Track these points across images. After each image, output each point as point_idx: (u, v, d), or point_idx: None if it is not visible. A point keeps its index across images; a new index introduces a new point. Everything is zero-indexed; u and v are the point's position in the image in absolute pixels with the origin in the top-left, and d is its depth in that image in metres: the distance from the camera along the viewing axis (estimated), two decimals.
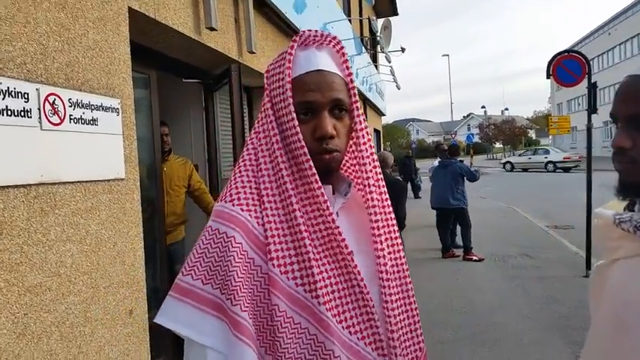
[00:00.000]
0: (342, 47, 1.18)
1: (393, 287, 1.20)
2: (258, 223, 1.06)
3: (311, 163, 1.05)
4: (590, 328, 1.15)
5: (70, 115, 2.38)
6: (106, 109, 2.65)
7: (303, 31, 1.14)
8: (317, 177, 1.06)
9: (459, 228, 8.66)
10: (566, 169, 29.99)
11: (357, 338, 1.08)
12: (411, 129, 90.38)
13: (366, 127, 1.20)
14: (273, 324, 1.02)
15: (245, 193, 1.09)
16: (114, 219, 2.69)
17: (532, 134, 70.95)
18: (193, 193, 4.61)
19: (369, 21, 9.93)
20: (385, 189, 1.24)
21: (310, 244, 1.05)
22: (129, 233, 2.80)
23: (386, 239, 1.20)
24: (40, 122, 2.20)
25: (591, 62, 7.47)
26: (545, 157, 31.87)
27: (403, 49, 12.50)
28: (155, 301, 3.20)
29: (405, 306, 1.25)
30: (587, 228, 6.96)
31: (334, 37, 1.18)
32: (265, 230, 1.05)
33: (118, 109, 2.76)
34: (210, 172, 5.14)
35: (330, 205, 1.12)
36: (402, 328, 1.18)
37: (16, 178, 2.08)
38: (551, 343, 4.66)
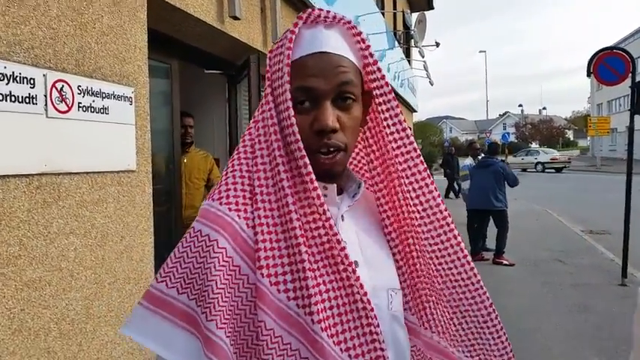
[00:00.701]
0: (355, 27, 1.01)
1: (411, 301, 1.07)
2: (247, 225, 0.91)
3: (306, 160, 0.89)
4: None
5: (79, 103, 2.29)
6: (118, 97, 2.55)
7: (313, 9, 0.98)
8: (313, 176, 0.90)
9: (489, 230, 8.38)
10: (558, 169, 33.58)
11: None
12: (444, 127, 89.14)
13: (399, 114, 1.04)
14: (258, 343, 0.88)
15: (236, 190, 0.95)
16: (122, 212, 2.60)
17: (570, 135, 69.14)
18: (212, 188, 4.50)
19: (403, 14, 9.67)
20: (432, 180, 1.08)
21: (306, 252, 0.89)
22: (138, 227, 2.70)
23: (405, 238, 1.07)
24: (46, 109, 2.11)
25: (636, 61, 7.04)
26: (535, 158, 34.83)
27: (437, 44, 12.19)
28: None
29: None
30: (625, 234, 6.63)
31: (347, 19, 1.02)
32: (256, 234, 0.90)
33: (131, 97, 2.65)
34: None
35: (334, 207, 0.99)
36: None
37: (18, 167, 1.99)
38: (580, 353, 4.42)
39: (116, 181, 2.56)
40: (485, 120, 69.68)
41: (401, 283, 1.06)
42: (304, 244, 0.90)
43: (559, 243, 9.36)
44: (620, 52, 7.01)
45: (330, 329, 0.90)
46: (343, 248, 0.91)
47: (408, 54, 15.61)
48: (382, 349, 0.93)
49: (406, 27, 12.90)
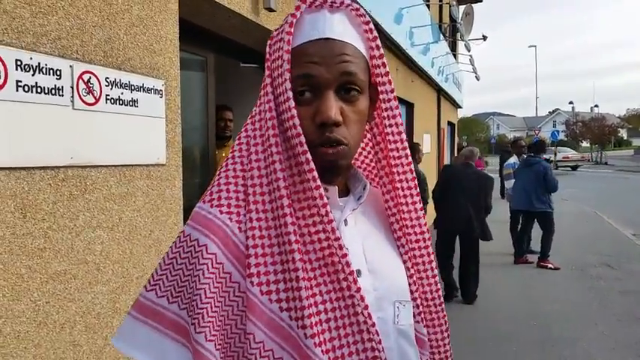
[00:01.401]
0: (363, 15, 0.92)
1: (425, 313, 0.97)
2: (240, 229, 0.84)
3: (308, 155, 0.81)
4: None
5: (107, 95, 2.26)
6: (147, 90, 2.52)
7: None
8: (315, 174, 0.82)
9: (534, 232, 8.04)
10: (574, 167, 36.70)
11: None
12: (492, 123, 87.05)
13: (397, 116, 0.95)
14: (247, 357, 0.80)
15: (228, 191, 0.87)
16: (151, 206, 2.57)
17: (623, 134, 66.25)
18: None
19: (450, 6, 9.41)
20: (417, 190, 0.99)
21: (300, 259, 0.81)
22: (167, 222, 2.67)
23: (419, 247, 0.98)
24: (73, 101, 2.08)
25: None
26: (550, 157, 36.74)
27: (485, 37, 11.83)
28: None
29: (437, 342, 1.02)
30: None
31: (355, 5, 0.92)
32: (247, 238, 0.83)
33: (161, 90, 2.62)
34: None
35: (337, 210, 0.90)
36: None
37: (43, 159, 1.97)
38: None
39: (145, 175, 2.53)
40: (535, 117, 67.62)
41: (412, 292, 0.95)
42: (298, 251, 0.81)
43: (608, 247, 8.95)
44: None
45: (326, 344, 0.81)
46: (345, 255, 0.82)
47: (453, 48, 15.25)
48: None
49: (452, 20, 12.57)
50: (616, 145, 55.78)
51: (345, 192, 0.96)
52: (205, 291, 0.80)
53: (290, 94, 0.82)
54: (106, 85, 2.25)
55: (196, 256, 0.82)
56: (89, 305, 2.19)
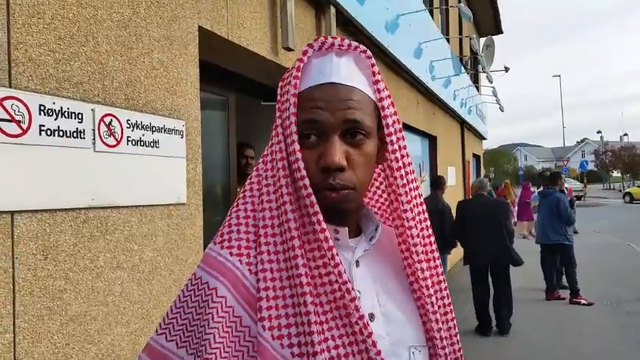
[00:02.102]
0: (371, 57, 0.92)
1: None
2: (250, 271, 0.83)
3: (313, 199, 0.81)
4: None
5: (128, 137, 2.30)
6: (169, 131, 2.56)
7: (326, 37, 0.90)
8: (320, 217, 0.81)
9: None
10: (578, 198, 33.40)
11: None
12: (519, 154, 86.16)
13: (406, 165, 0.93)
14: None
15: (239, 232, 0.86)
16: (172, 245, 2.57)
17: None
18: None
19: (470, 40, 9.47)
20: (431, 230, 0.96)
21: (312, 302, 0.79)
22: (187, 261, 2.67)
23: (435, 291, 0.94)
24: (94, 143, 2.13)
25: None
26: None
27: (507, 69, 11.81)
28: None
29: None
30: None
31: (362, 47, 0.92)
32: (258, 281, 0.81)
33: (182, 131, 2.66)
34: None
35: (348, 251, 0.89)
36: None
37: (65, 201, 2.00)
38: None
39: (166, 214, 2.55)
40: (562, 147, 66.63)
41: (428, 337, 0.92)
42: (310, 294, 0.79)
43: None
44: None
45: None
46: (353, 299, 0.80)
47: (476, 80, 15.28)
48: None
49: (473, 52, 12.62)
50: None
51: (357, 232, 0.94)
52: (214, 335, 0.78)
53: (295, 137, 0.82)
54: (128, 127, 2.30)
55: (206, 300, 0.81)
56: (109, 347, 2.17)
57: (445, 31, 11.15)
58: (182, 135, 2.66)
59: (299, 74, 0.85)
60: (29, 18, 1.88)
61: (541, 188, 8.38)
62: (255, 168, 0.92)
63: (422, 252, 0.91)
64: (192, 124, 2.76)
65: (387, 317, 0.88)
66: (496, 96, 13.76)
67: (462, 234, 6.15)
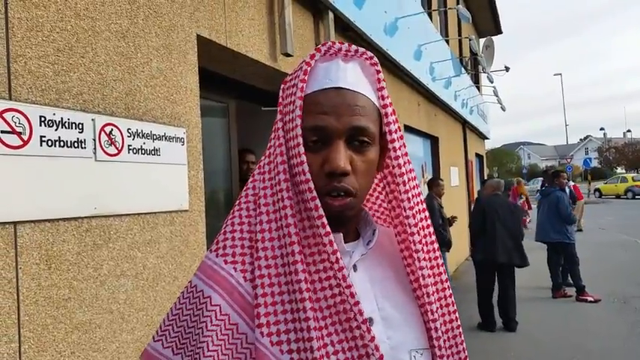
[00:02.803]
0: (377, 63, 0.92)
1: None
2: (245, 278, 0.83)
3: (317, 202, 0.80)
4: None
5: (129, 146, 2.32)
6: (169, 138, 2.58)
7: (333, 42, 0.90)
8: (325, 220, 0.81)
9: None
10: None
11: None
12: (522, 153, 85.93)
13: (408, 172, 0.93)
14: None
15: (234, 239, 0.86)
16: (175, 252, 2.59)
17: None
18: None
19: (469, 41, 9.48)
20: (434, 237, 0.96)
21: (312, 308, 0.79)
22: (191, 267, 2.68)
23: (438, 297, 0.93)
24: (95, 153, 2.14)
25: None
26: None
27: (507, 68, 11.82)
28: None
29: None
30: None
31: (368, 53, 0.93)
32: (255, 287, 0.81)
33: (183, 138, 2.68)
34: None
35: (345, 256, 0.88)
36: None
37: (67, 210, 2.02)
38: None
39: (168, 222, 2.56)
40: (566, 145, 66.38)
41: (431, 340, 0.90)
42: (309, 300, 0.78)
43: None
44: None
45: None
46: (357, 303, 0.80)
47: (476, 80, 15.27)
48: None
49: (473, 53, 12.63)
50: None
51: (355, 236, 0.94)
52: (208, 344, 0.78)
53: (300, 140, 0.82)
54: (128, 136, 2.32)
55: (201, 308, 0.82)
56: (114, 355, 2.19)
57: (444, 32, 11.17)
58: (183, 142, 2.68)
59: (306, 78, 0.85)
60: (28, 31, 1.90)
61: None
62: (252, 174, 0.93)
63: (424, 258, 0.91)
64: (192, 131, 2.78)
65: (386, 321, 0.88)
66: (497, 96, 13.76)
67: (480, 229, 6.22)
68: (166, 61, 2.61)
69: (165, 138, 2.56)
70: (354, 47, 0.90)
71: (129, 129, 2.33)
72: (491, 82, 11.67)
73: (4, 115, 1.79)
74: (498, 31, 17.21)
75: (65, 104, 2.05)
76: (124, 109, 2.33)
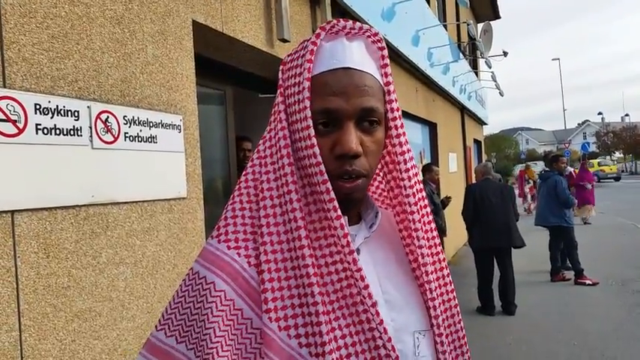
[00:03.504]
0: (381, 40, 0.90)
1: (446, 344, 0.92)
2: (250, 263, 0.82)
3: (329, 185, 0.79)
4: None
5: (126, 133, 2.31)
6: (166, 126, 2.56)
7: (338, 20, 0.88)
8: (336, 204, 0.79)
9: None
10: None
11: None
12: (520, 139, 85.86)
13: (408, 151, 0.92)
14: None
15: (236, 224, 0.85)
16: (174, 239, 2.59)
17: None
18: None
19: (467, 25, 9.42)
20: (431, 217, 0.96)
21: (320, 292, 0.78)
22: (190, 254, 2.68)
23: (436, 277, 0.93)
24: (91, 141, 2.13)
25: None
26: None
27: (505, 53, 11.75)
28: None
29: None
30: None
31: (373, 30, 0.90)
32: (261, 272, 0.80)
33: (179, 125, 2.66)
34: None
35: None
36: None
37: (65, 198, 2.01)
38: None
39: (167, 209, 2.56)
40: (564, 130, 66.27)
41: (432, 320, 0.90)
42: (317, 284, 0.78)
43: None
44: None
45: None
46: (367, 286, 0.79)
47: (474, 65, 15.20)
48: None
49: (471, 38, 12.56)
50: None
51: (357, 219, 0.93)
52: (215, 330, 0.77)
53: (310, 122, 0.80)
54: (125, 124, 2.30)
55: (204, 294, 0.80)
56: (115, 342, 2.19)
57: (442, 17, 11.09)
58: (180, 129, 2.67)
59: (312, 57, 0.82)
60: (21, 17, 1.88)
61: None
62: (250, 158, 0.91)
63: (423, 237, 0.90)
64: (189, 118, 2.76)
65: (390, 303, 0.87)
66: (495, 81, 13.71)
67: (473, 217, 6.24)
68: (162, 47, 2.58)
69: (162, 125, 2.54)
70: (357, 25, 0.88)
71: (125, 116, 2.31)
72: (490, 68, 11.63)
73: None
74: (496, 16, 17.11)
75: (60, 92, 2.03)
76: (120, 96, 2.31)
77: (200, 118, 2.89)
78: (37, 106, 1.91)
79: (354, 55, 0.85)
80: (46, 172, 1.93)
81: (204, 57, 3.26)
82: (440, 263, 0.95)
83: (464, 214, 6.40)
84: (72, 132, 2.05)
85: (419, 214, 0.91)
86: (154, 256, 2.44)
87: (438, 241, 0.96)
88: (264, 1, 3.55)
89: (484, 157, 19.68)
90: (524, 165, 17.01)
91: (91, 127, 2.13)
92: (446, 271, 0.96)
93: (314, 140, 0.80)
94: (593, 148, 50.90)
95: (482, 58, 11.81)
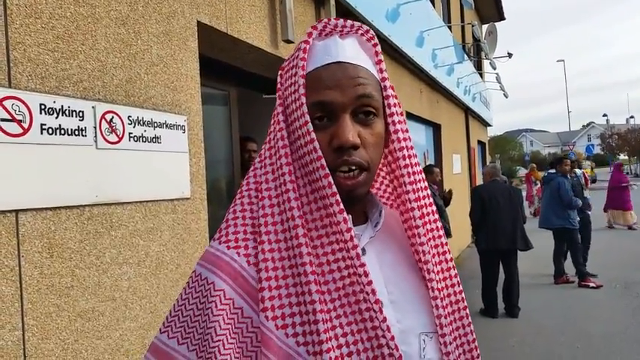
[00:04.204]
0: (373, 37, 0.91)
1: (453, 347, 0.91)
2: (249, 262, 0.82)
3: (330, 179, 0.79)
4: None
5: (130, 133, 2.31)
6: (170, 126, 2.57)
7: (329, 19, 0.89)
8: (338, 198, 0.79)
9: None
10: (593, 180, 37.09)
11: None
12: (524, 140, 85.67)
13: (408, 148, 0.92)
14: None
15: (236, 225, 0.86)
16: (177, 240, 2.59)
17: None
18: None
19: (472, 27, 9.41)
20: (437, 215, 0.95)
21: (317, 290, 0.78)
22: (194, 255, 2.68)
23: (443, 277, 0.93)
24: (96, 141, 2.14)
25: None
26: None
27: (510, 55, 11.73)
28: None
29: None
30: None
31: (365, 27, 0.92)
32: (259, 271, 0.80)
33: (184, 126, 2.67)
34: None
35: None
36: None
37: (69, 198, 2.02)
38: None
39: (170, 209, 2.56)
40: (568, 132, 66.10)
41: (440, 322, 0.88)
42: (315, 282, 0.77)
43: None
44: None
45: None
46: (370, 282, 0.79)
47: (479, 67, 15.17)
48: None
49: (476, 39, 12.53)
50: None
51: (363, 219, 0.93)
52: (216, 329, 0.77)
53: (307, 117, 0.80)
54: (129, 124, 2.31)
55: (205, 295, 0.81)
56: (118, 342, 2.19)
57: (447, 18, 11.07)
58: (184, 130, 2.67)
59: (305, 55, 0.84)
60: (27, 18, 1.88)
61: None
62: (253, 162, 0.92)
63: (424, 234, 0.89)
64: (193, 118, 2.77)
65: (395, 304, 0.87)
66: (500, 82, 13.67)
67: (480, 218, 6.22)
68: (167, 48, 2.59)
69: (166, 126, 2.55)
70: (349, 22, 0.89)
71: (129, 116, 2.32)
72: (494, 69, 11.60)
73: (3, 102, 1.77)
74: (501, 17, 17.07)
75: (65, 92, 2.03)
76: (125, 96, 2.31)
77: (204, 118, 2.89)
78: (42, 106, 1.91)
79: (347, 50, 0.86)
80: (50, 172, 1.94)
81: (208, 58, 3.26)
82: (447, 263, 0.94)
83: (471, 215, 6.40)
84: (77, 132, 2.05)
85: (420, 210, 0.90)
86: (157, 256, 2.44)
87: (444, 240, 0.95)
88: (269, 2, 3.55)
89: (488, 158, 19.64)
90: (529, 166, 16.89)
91: (95, 128, 2.13)
92: (453, 272, 0.94)
93: (313, 135, 0.80)
94: (597, 150, 50.75)
95: (486, 59, 11.79)
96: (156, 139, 2.46)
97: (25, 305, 1.83)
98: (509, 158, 52.60)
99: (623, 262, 8.82)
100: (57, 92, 2.00)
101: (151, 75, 2.47)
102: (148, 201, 2.41)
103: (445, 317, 0.89)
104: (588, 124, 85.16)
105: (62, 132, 2.00)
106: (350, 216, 0.86)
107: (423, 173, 0.94)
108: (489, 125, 18.25)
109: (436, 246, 0.92)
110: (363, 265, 0.79)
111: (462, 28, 12.64)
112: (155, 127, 2.47)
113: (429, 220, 0.92)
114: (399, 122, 0.91)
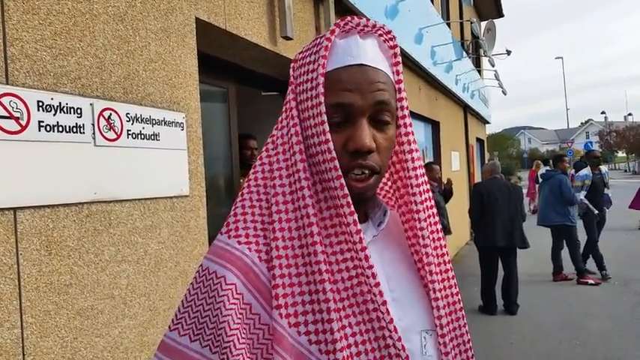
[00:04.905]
0: (393, 38, 0.91)
1: (450, 346, 0.91)
2: (260, 258, 0.81)
3: (342, 181, 0.79)
4: None
5: (128, 130, 2.30)
6: (169, 123, 2.56)
7: (352, 17, 0.88)
8: (350, 199, 0.79)
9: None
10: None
11: None
12: (523, 137, 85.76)
13: (416, 150, 0.93)
14: None
15: (245, 221, 0.84)
16: (176, 237, 2.58)
17: None
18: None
19: (470, 24, 9.38)
20: (437, 217, 0.95)
21: (331, 289, 0.78)
22: (193, 252, 2.68)
23: (442, 278, 0.93)
24: (94, 138, 2.12)
25: None
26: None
27: (509, 52, 11.70)
28: None
29: None
30: None
31: (386, 28, 0.91)
32: (272, 268, 0.80)
33: (182, 123, 2.65)
34: None
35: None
36: None
37: (67, 196, 2.01)
38: None
39: (169, 207, 2.55)
40: (567, 129, 66.06)
41: (439, 324, 0.89)
42: (329, 281, 0.77)
43: None
44: None
45: None
46: (378, 284, 0.79)
47: (478, 64, 15.17)
48: None
49: (474, 36, 12.53)
50: None
51: (364, 218, 0.93)
52: (229, 322, 0.76)
53: (324, 118, 0.80)
54: (127, 121, 2.29)
55: (215, 289, 0.79)
56: (117, 340, 2.19)
57: (445, 15, 11.06)
58: (182, 127, 2.66)
59: (327, 54, 0.83)
60: (24, 14, 1.87)
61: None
62: (259, 157, 0.90)
63: (428, 237, 0.90)
64: (192, 116, 2.76)
65: (397, 302, 0.87)
66: (498, 79, 13.67)
67: (480, 216, 6.24)
68: (165, 44, 2.57)
69: (165, 123, 2.53)
70: (371, 22, 0.89)
71: (127, 114, 2.30)
72: (493, 66, 11.59)
73: (1, 99, 1.76)
74: (500, 14, 17.05)
75: (63, 89, 2.02)
76: (123, 93, 2.30)
77: (203, 115, 2.88)
78: (40, 103, 1.90)
79: (368, 52, 0.85)
80: (48, 169, 1.93)
81: (207, 54, 3.25)
82: (445, 265, 0.94)
83: (470, 212, 6.41)
84: (75, 129, 2.04)
85: (425, 213, 0.91)
86: (156, 254, 2.44)
87: (443, 242, 0.95)
88: None
89: (487, 155, 19.64)
90: (534, 163, 16.82)
91: (93, 125, 2.12)
92: (451, 274, 0.95)
93: (328, 136, 0.80)
94: (596, 147, 50.76)
95: (485, 56, 11.77)
96: (154, 137, 2.45)
97: (23, 303, 1.82)
98: (507, 156, 52.67)
99: (620, 258, 8.83)
100: (55, 89, 1.98)
101: (149, 72, 2.46)
102: (146, 198, 2.40)
103: (444, 317, 0.90)
104: (586, 122, 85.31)
105: (60, 129, 1.98)
106: (355, 214, 0.86)
107: (425, 175, 0.94)
108: (488, 122, 18.26)
109: (436, 247, 0.93)
110: (371, 266, 0.80)
111: (461, 25, 12.63)
112: (153, 124, 2.45)
113: (431, 223, 0.93)
114: (410, 125, 0.92)
